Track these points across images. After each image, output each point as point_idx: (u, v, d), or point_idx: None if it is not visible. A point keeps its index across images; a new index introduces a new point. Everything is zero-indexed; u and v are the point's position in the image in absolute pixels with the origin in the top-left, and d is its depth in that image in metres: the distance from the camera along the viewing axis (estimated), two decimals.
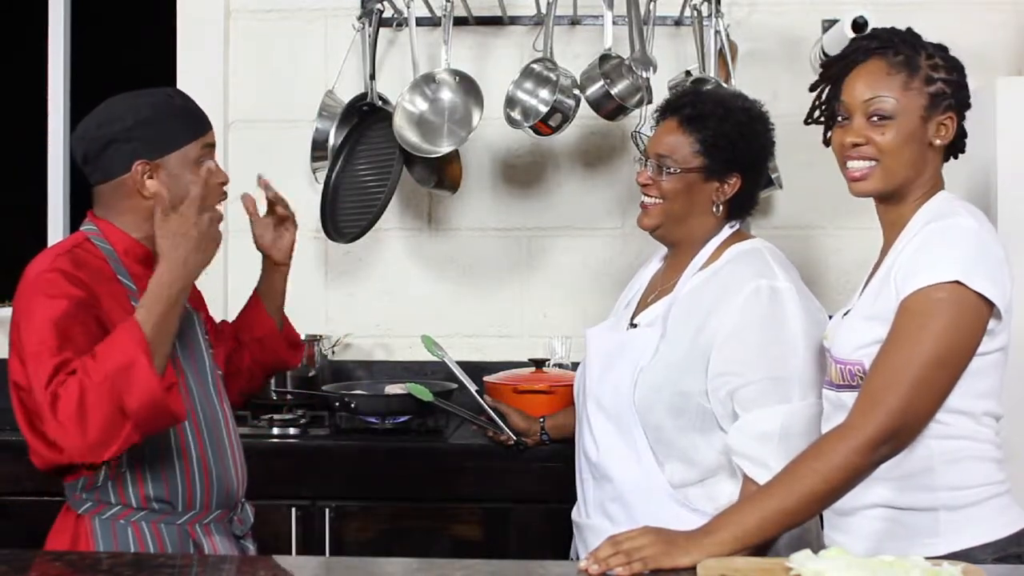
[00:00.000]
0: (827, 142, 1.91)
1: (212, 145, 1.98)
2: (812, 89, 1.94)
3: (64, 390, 1.70)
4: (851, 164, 1.81)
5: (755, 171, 2.19)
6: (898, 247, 1.76)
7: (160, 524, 1.91)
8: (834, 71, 1.86)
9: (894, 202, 1.82)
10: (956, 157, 1.87)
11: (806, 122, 1.95)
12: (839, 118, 1.83)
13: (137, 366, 1.70)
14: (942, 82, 1.78)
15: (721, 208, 2.15)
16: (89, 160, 1.93)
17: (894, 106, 1.77)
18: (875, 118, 1.78)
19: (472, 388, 2.66)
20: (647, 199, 2.17)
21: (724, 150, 2.13)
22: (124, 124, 1.89)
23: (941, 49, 1.82)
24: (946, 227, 1.71)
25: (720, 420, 2.05)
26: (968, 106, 1.83)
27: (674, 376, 2.06)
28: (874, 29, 1.89)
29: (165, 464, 1.91)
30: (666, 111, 2.21)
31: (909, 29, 1.85)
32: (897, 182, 1.79)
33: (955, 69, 1.81)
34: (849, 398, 1.75)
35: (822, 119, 1.93)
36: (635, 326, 2.18)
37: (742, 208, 2.20)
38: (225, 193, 2.00)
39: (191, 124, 1.94)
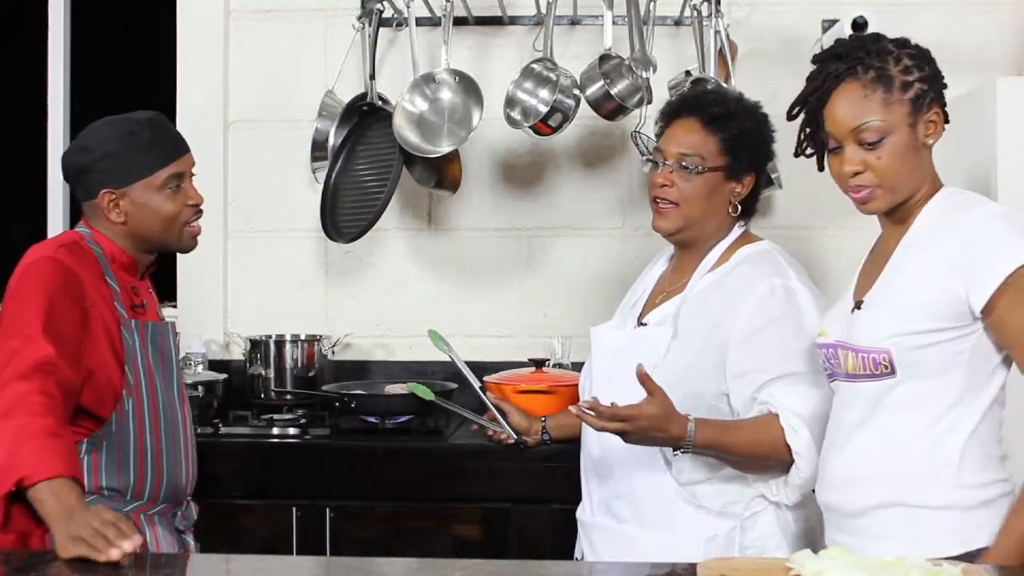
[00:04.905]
0: (821, 168, 1.88)
1: (181, 173, 2.13)
2: (790, 118, 1.89)
3: None
4: (853, 189, 1.79)
5: (763, 171, 2.22)
6: (920, 240, 1.76)
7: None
8: (811, 104, 1.83)
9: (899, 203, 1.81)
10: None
11: (796, 155, 1.91)
12: (830, 146, 1.81)
13: (12, 472, 1.72)
14: (918, 82, 1.76)
15: (738, 208, 2.16)
16: (70, 181, 2.17)
17: (881, 127, 1.74)
18: (866, 144, 1.75)
19: (476, 383, 2.66)
20: (664, 201, 2.14)
21: (746, 149, 2.14)
22: (92, 156, 2.09)
23: (903, 45, 1.79)
24: (994, 214, 1.72)
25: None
26: (945, 85, 1.80)
27: (686, 376, 2.06)
28: (837, 45, 1.83)
29: (121, 458, 2.02)
30: (682, 110, 2.19)
31: (871, 35, 1.82)
32: (903, 196, 1.79)
33: (924, 60, 1.78)
34: (866, 387, 1.74)
35: (811, 151, 1.89)
36: (644, 325, 2.18)
37: (750, 208, 2.21)
38: (200, 212, 2.18)
39: (156, 155, 2.11)
